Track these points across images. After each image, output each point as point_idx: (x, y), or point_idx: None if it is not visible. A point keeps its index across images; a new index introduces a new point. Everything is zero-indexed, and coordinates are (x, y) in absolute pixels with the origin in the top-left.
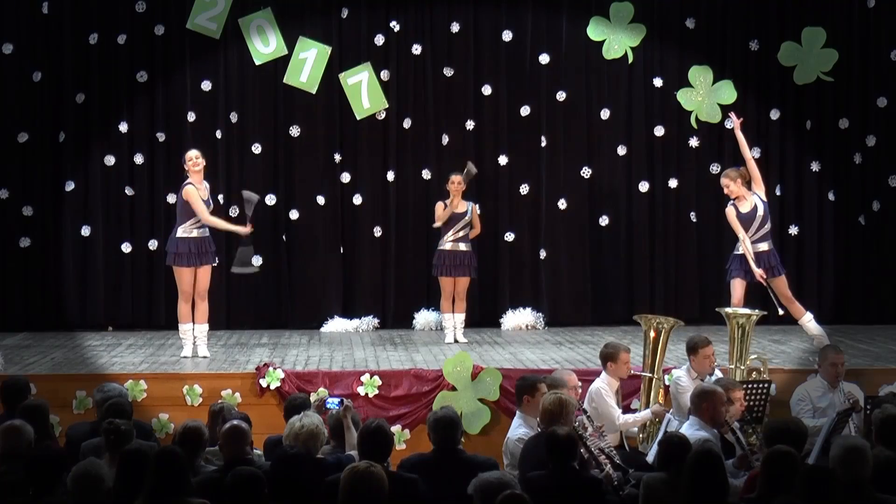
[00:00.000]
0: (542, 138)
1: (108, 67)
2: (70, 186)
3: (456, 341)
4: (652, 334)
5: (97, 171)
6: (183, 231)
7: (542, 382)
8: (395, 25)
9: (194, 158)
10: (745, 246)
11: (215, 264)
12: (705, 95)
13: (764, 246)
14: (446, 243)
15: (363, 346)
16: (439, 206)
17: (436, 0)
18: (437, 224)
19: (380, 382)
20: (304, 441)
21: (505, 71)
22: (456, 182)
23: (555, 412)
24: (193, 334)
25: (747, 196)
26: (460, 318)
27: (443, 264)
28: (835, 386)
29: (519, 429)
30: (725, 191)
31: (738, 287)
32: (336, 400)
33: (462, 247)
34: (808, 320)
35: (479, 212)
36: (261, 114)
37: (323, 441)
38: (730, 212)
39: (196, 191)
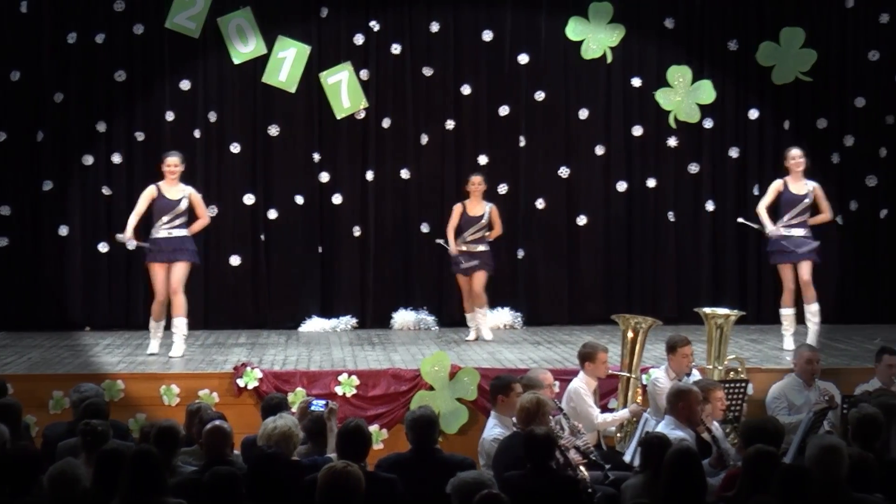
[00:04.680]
0: (521, 138)
1: (86, 67)
2: (48, 186)
3: (477, 338)
4: (630, 334)
5: (75, 170)
6: (154, 231)
7: (517, 382)
8: (374, 25)
9: (171, 166)
10: (760, 214)
11: (192, 262)
12: (684, 95)
13: (800, 231)
14: (463, 244)
15: (341, 345)
16: (457, 208)
17: (415, 0)
18: (450, 230)
19: (357, 382)
20: (276, 442)
21: (484, 71)
22: (477, 182)
23: (532, 411)
24: (161, 334)
25: (802, 181)
26: (482, 312)
27: (457, 264)
28: (810, 384)
29: (494, 429)
30: (797, 165)
31: (787, 273)
32: (322, 402)
33: (480, 247)
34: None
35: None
36: (239, 113)
37: (297, 443)
38: (778, 183)
39: (153, 192)
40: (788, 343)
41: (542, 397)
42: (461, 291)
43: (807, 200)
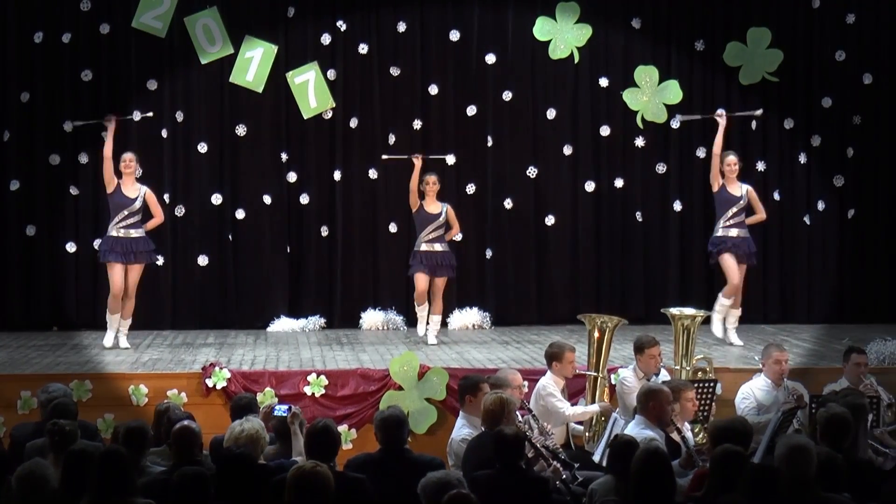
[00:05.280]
0: (489, 138)
1: (52, 66)
2: (14, 186)
3: (426, 342)
4: (596, 334)
5: (41, 170)
6: (111, 230)
7: (485, 382)
8: (341, 25)
9: (127, 161)
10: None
11: (149, 262)
12: (651, 95)
13: (740, 232)
14: (421, 244)
15: (310, 345)
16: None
17: (382, 0)
18: (412, 192)
19: (326, 382)
20: (243, 445)
21: (451, 70)
22: (431, 182)
23: (496, 412)
24: (118, 326)
25: (736, 183)
26: (436, 318)
27: (419, 264)
28: (779, 384)
29: (463, 429)
30: (732, 169)
31: (731, 266)
32: (284, 407)
33: (438, 247)
34: (731, 311)
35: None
36: (207, 113)
37: (264, 446)
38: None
39: (112, 184)
40: (717, 330)
41: (505, 396)
42: (416, 288)
43: (742, 202)
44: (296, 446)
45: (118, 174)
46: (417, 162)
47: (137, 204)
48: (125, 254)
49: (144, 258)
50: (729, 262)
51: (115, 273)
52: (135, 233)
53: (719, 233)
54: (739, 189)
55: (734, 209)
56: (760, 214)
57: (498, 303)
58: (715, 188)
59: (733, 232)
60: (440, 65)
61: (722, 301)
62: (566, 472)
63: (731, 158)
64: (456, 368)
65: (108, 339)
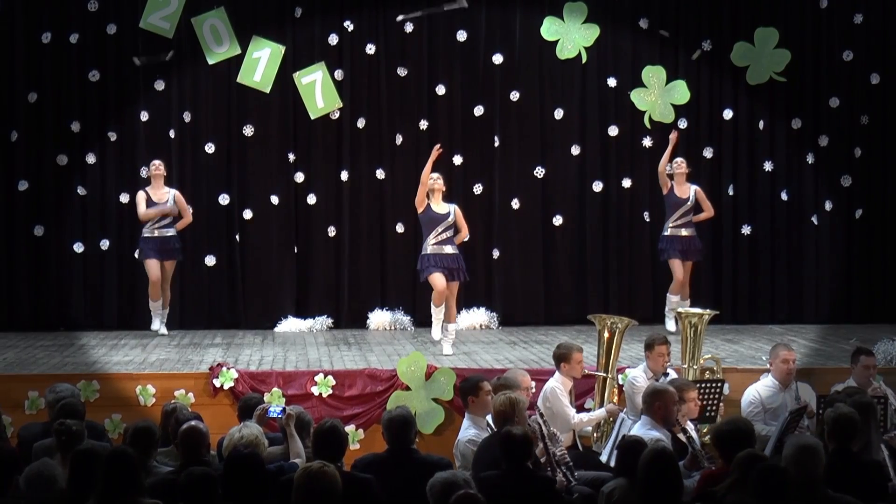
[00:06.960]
0: (496, 138)
1: (60, 67)
2: (23, 186)
3: (441, 352)
4: (606, 334)
5: (49, 170)
6: (146, 230)
7: (484, 381)
8: (348, 25)
9: (158, 166)
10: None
11: (180, 259)
12: (658, 95)
13: (688, 231)
14: (429, 247)
15: (317, 345)
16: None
17: (389, 0)
18: (422, 185)
19: (334, 382)
20: None
21: (458, 71)
22: (434, 178)
23: (507, 412)
24: (162, 312)
25: (685, 185)
26: (452, 327)
27: (433, 266)
28: (786, 385)
29: (468, 430)
30: (680, 170)
31: (677, 266)
32: (279, 408)
33: (447, 249)
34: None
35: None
36: (214, 113)
37: (263, 451)
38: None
39: (144, 196)
40: (671, 326)
41: (514, 396)
42: (435, 287)
43: (689, 203)
44: (293, 447)
45: (147, 182)
46: (435, 153)
47: (168, 206)
48: (160, 251)
49: (176, 255)
50: (675, 264)
51: (152, 267)
52: (168, 232)
53: (668, 232)
54: (688, 191)
55: (681, 210)
56: (709, 212)
57: (505, 303)
58: (665, 192)
59: (683, 231)
60: (447, 65)
61: (670, 298)
62: (569, 472)
63: (679, 159)
64: (463, 369)
65: (155, 324)
